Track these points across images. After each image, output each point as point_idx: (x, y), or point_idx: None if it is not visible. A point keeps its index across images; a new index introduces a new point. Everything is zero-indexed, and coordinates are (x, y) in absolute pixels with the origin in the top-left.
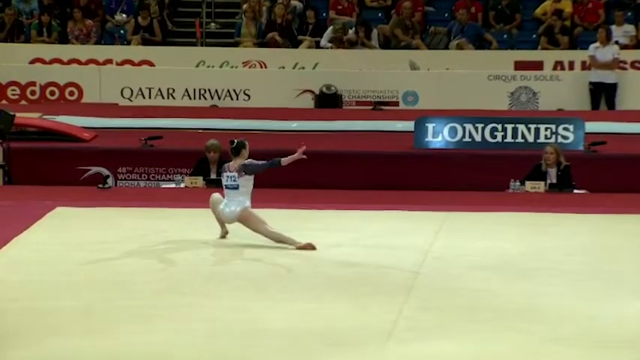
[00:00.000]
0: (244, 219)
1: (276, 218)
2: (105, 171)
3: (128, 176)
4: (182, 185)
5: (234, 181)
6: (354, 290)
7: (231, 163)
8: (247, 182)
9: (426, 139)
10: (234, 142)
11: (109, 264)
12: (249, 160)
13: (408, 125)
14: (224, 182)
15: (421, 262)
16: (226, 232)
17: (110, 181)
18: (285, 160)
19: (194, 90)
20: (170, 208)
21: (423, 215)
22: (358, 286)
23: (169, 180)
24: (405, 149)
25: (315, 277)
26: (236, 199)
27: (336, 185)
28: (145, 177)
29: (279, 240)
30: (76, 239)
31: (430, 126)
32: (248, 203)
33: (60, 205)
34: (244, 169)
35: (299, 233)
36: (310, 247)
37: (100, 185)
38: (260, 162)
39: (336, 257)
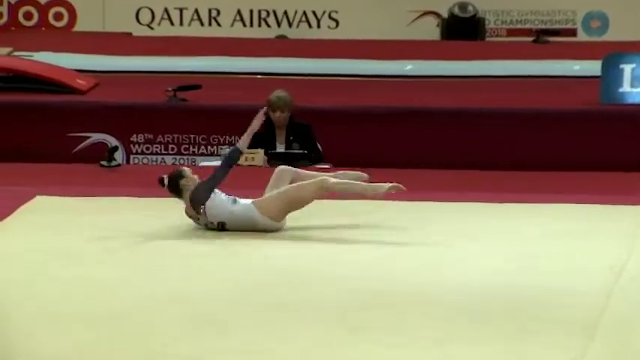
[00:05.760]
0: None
1: (375, 215)
2: (111, 140)
3: (147, 148)
4: None
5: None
6: (499, 329)
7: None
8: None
9: (621, 90)
10: (163, 180)
11: (109, 287)
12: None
13: (592, 67)
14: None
15: (612, 286)
16: None
17: (119, 156)
18: (243, 143)
19: (250, 12)
20: None
21: (613, 210)
22: (507, 322)
23: (211, 154)
24: (587, 105)
25: (434, 306)
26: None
27: (472, 162)
28: (173, 149)
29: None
30: (63, 246)
31: (627, 68)
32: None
33: (42, 193)
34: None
35: (408, 242)
36: (397, 188)
37: (104, 162)
38: (211, 176)
39: (471, 275)
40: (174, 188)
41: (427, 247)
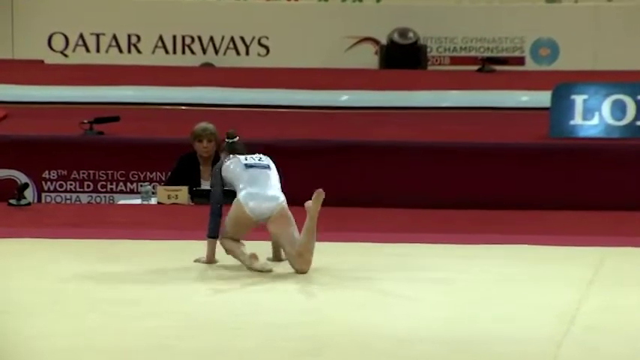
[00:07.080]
0: (281, 218)
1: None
2: (21, 176)
3: (60, 185)
4: (152, 201)
5: (260, 160)
6: None
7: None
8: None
9: (572, 122)
10: (232, 135)
11: (24, 338)
12: None
13: (541, 98)
14: (245, 162)
15: (563, 335)
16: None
17: (29, 194)
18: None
19: (173, 38)
20: (133, 240)
21: (565, 252)
22: None
23: (131, 192)
24: (535, 139)
25: (368, 356)
26: (270, 187)
27: (411, 200)
28: (89, 187)
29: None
30: None
31: (579, 99)
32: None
33: None
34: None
35: (347, 287)
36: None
37: (13, 201)
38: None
39: (411, 322)
40: (232, 149)
41: (363, 293)
